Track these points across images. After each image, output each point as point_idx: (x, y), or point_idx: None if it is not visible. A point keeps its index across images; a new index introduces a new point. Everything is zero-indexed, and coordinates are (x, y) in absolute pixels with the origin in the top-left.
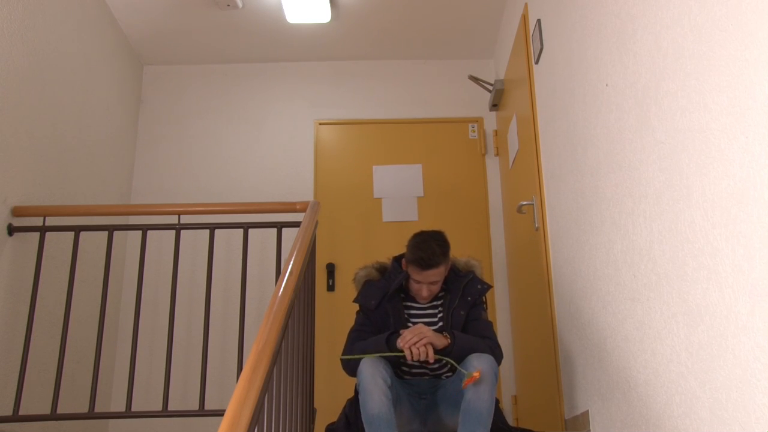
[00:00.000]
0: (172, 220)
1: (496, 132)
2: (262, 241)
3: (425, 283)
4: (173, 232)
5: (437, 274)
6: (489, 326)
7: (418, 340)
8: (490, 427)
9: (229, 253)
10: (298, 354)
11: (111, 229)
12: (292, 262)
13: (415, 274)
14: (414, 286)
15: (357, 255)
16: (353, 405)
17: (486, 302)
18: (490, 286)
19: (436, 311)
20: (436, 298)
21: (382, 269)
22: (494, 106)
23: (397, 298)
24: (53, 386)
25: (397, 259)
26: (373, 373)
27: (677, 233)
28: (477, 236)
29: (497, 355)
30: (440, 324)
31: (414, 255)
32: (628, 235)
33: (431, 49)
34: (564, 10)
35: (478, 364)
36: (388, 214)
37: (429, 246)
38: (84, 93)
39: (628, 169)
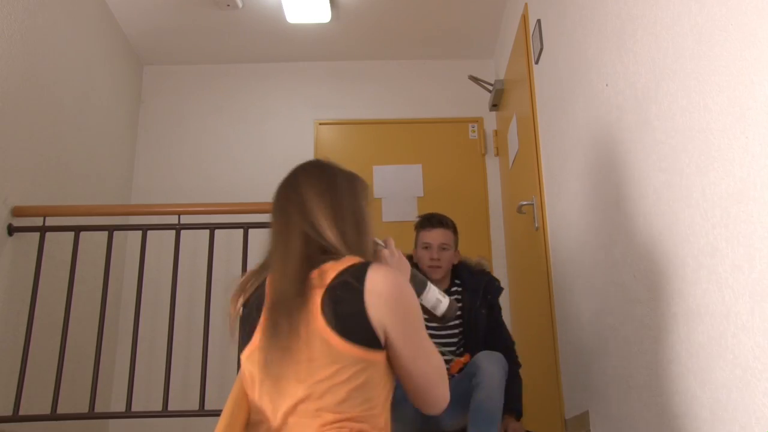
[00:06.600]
0: (172, 220)
1: (496, 132)
2: (262, 241)
3: (435, 244)
4: (173, 232)
5: (446, 235)
6: (509, 333)
7: None
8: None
9: (229, 253)
10: None
11: (111, 229)
12: None
13: (425, 236)
14: (424, 255)
15: None
16: None
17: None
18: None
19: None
20: (453, 294)
21: None
22: (494, 106)
23: None
24: (53, 386)
25: (408, 257)
26: None
27: (677, 233)
28: (477, 236)
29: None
30: (460, 321)
31: (423, 218)
32: (628, 235)
33: (431, 49)
34: (564, 10)
35: (487, 365)
36: (388, 214)
37: (436, 214)
38: (84, 93)
39: (628, 169)
